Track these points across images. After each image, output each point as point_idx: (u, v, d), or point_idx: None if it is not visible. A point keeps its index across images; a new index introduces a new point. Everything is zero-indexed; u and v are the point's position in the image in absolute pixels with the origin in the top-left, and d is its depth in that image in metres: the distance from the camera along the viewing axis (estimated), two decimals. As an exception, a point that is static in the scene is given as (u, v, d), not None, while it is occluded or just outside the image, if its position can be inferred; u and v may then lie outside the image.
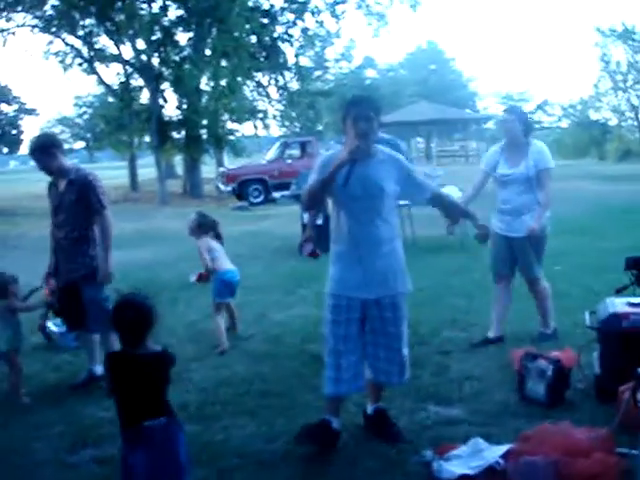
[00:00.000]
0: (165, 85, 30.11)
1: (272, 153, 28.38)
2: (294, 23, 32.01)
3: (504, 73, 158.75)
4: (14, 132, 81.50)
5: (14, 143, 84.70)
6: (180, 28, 29.81)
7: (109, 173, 39.96)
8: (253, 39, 29.96)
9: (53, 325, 7.28)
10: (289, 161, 26.84)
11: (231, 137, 31.12)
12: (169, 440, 3.48)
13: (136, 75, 30.32)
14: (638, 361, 4.25)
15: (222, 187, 27.12)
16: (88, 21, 29.53)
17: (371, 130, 4.31)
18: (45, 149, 5.75)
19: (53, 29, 29.90)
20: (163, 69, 29.73)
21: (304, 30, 32.34)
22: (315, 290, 8.16)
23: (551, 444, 3.89)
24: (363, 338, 4.50)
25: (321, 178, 4.31)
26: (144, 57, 29.06)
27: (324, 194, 4.43)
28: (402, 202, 8.90)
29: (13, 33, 29.79)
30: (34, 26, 29.83)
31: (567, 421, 4.24)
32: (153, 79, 28.96)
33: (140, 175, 38.82)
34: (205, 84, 29.52)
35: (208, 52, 28.94)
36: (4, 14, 28.28)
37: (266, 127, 37.10)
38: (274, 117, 39.04)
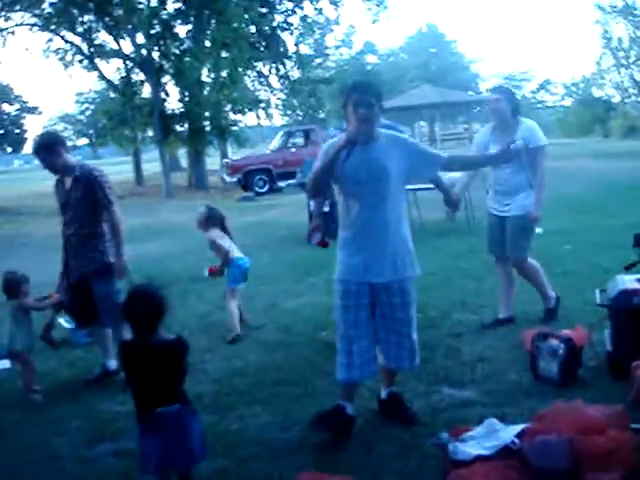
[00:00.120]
0: (166, 78, 30.14)
1: (276, 142, 28.36)
2: (293, 11, 31.98)
3: (506, 54, 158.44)
4: (17, 131, 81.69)
5: (18, 142, 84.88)
6: (179, 21, 29.77)
7: (113, 169, 40.00)
8: (252, 29, 29.94)
9: (64, 322, 7.32)
10: (293, 150, 26.83)
11: (234, 128, 31.13)
12: (182, 426, 3.55)
13: (137, 69, 30.31)
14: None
15: (227, 178, 27.12)
16: (87, 17, 29.52)
17: (372, 115, 4.31)
18: (49, 147, 5.76)
19: (52, 27, 29.87)
20: (163, 62, 29.71)
21: (303, 18, 32.30)
22: (324, 278, 8.18)
23: (565, 422, 3.90)
24: (374, 323, 4.52)
25: (324, 163, 4.33)
26: (144, 51, 29.06)
27: (329, 180, 4.42)
28: (409, 187, 8.92)
29: (12, 32, 29.80)
30: (33, 24, 29.86)
31: (580, 399, 4.24)
32: (154, 73, 28.95)
33: (144, 169, 38.85)
34: (206, 76, 29.53)
35: (208, 44, 28.87)
36: (2, 14, 28.26)
37: (269, 117, 37.13)
38: (276, 106, 39.05)
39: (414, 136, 29.15)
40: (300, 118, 48.75)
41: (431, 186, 5.34)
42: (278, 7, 31.62)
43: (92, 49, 30.57)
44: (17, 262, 9.62)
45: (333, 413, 4.53)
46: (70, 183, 5.80)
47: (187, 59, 28.18)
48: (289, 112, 49.55)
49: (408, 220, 4.64)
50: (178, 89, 29.95)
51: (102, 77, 31.93)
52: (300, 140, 28.09)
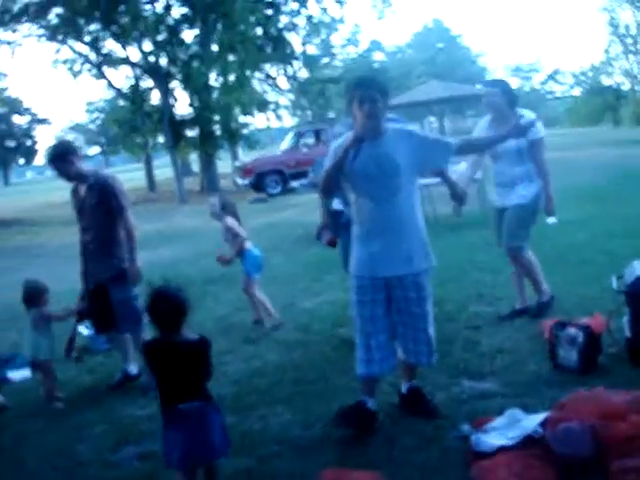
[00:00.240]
0: (175, 84, 30.17)
1: (287, 143, 28.34)
2: (298, 12, 31.91)
3: (513, 45, 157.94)
4: (29, 143, 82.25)
5: (30, 154, 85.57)
6: (185, 26, 29.80)
7: (125, 176, 40.08)
8: (259, 31, 29.90)
9: (84, 329, 7.35)
10: (304, 150, 26.80)
11: (244, 131, 31.17)
12: (204, 422, 3.63)
13: (145, 76, 30.39)
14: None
15: (239, 181, 27.13)
16: (93, 26, 29.56)
17: (378, 110, 4.31)
18: (62, 157, 5.81)
19: (59, 37, 29.91)
20: (171, 68, 29.75)
21: (309, 18, 32.25)
22: (340, 275, 8.16)
23: (587, 409, 3.90)
24: (391, 318, 4.52)
25: (333, 163, 4.33)
26: (152, 58, 29.11)
27: (339, 179, 4.41)
28: (423, 182, 8.91)
29: (20, 44, 29.97)
30: (40, 35, 29.93)
31: (601, 386, 4.25)
32: (162, 79, 29.01)
33: (156, 175, 38.99)
34: (214, 80, 29.53)
35: (215, 48, 28.88)
36: (9, 26, 28.38)
37: (278, 118, 37.13)
38: (285, 107, 39.07)
39: (424, 131, 29.04)
40: (310, 118, 48.79)
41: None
42: (283, 8, 31.58)
43: (100, 58, 30.64)
44: (32, 272, 9.68)
45: (355, 409, 4.55)
46: (85, 191, 5.84)
47: (195, 64, 28.24)
48: (298, 113, 49.64)
49: (422, 213, 4.62)
50: (187, 94, 29.99)
51: (111, 85, 32.03)
52: (311, 140, 28.07)
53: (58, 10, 28.65)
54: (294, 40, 32.67)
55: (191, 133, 30.46)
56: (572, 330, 5.09)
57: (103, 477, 4.38)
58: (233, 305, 8.27)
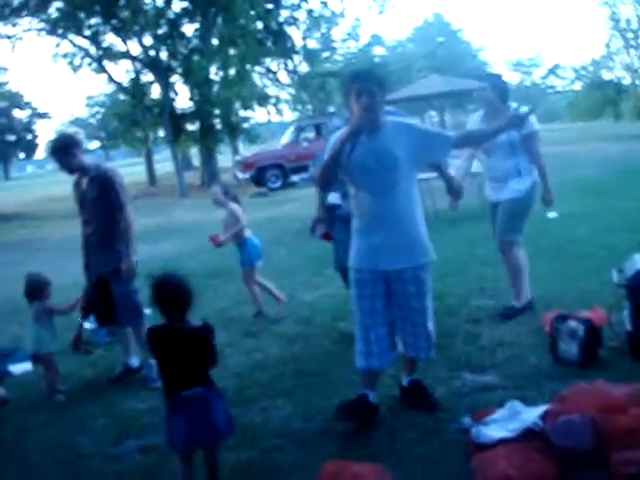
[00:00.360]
0: (175, 78, 30.17)
1: (287, 137, 28.32)
2: (299, 6, 31.86)
3: (513, 40, 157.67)
4: (29, 137, 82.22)
5: (30, 148, 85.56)
6: (186, 20, 29.77)
7: (126, 170, 39.94)
8: (259, 25, 29.86)
9: (86, 321, 7.36)
10: (305, 144, 26.76)
11: (245, 125, 31.15)
12: (207, 407, 3.66)
13: (146, 70, 30.38)
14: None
15: (240, 175, 27.13)
16: (94, 20, 29.56)
17: (375, 103, 4.29)
18: (64, 149, 5.80)
19: (60, 31, 29.91)
20: (172, 62, 29.74)
21: (309, 12, 32.20)
22: (340, 270, 8.20)
23: (587, 402, 3.91)
24: (391, 312, 4.53)
25: (330, 156, 4.32)
26: (152, 52, 29.12)
27: (336, 172, 4.39)
28: (423, 176, 8.90)
29: (20, 38, 29.93)
30: (40, 29, 29.91)
31: (601, 379, 4.25)
32: (163, 73, 29.01)
33: (157, 170, 38.99)
34: (215, 74, 29.51)
35: (215, 41, 28.87)
36: (10, 20, 28.35)
37: (279, 112, 37.17)
38: (286, 102, 39.02)
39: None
40: (310, 113, 48.76)
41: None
42: (284, 2, 31.53)
43: (100, 52, 30.63)
44: (33, 266, 9.67)
45: (356, 402, 4.56)
46: (86, 183, 5.84)
47: (195, 58, 28.22)
48: (299, 107, 49.60)
49: (422, 207, 4.62)
50: (187, 88, 29.98)
51: (111, 79, 32.04)
52: (311, 134, 28.04)
53: (58, 4, 28.67)
54: (295, 34, 32.67)
55: (192, 127, 30.46)
56: (573, 323, 5.10)
57: (105, 470, 4.38)
58: (233, 299, 8.29)
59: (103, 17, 28.81)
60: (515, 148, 6.19)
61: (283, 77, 35.70)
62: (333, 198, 6.07)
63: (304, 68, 34.30)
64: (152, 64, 29.15)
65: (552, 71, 74.53)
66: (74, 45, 31.03)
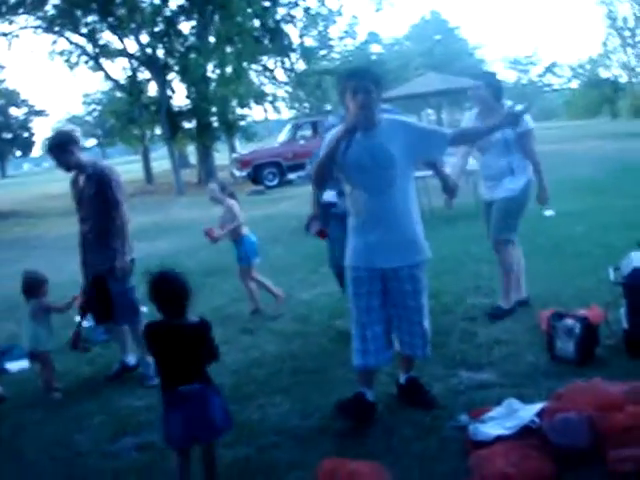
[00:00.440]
0: (172, 75, 30.17)
1: (284, 135, 28.32)
2: (296, 4, 31.86)
3: (510, 38, 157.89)
4: (26, 135, 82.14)
5: (26, 146, 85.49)
6: (182, 17, 29.77)
7: (122, 168, 39.86)
8: (256, 23, 29.83)
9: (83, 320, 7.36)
10: (302, 142, 26.76)
11: (242, 123, 31.15)
12: (204, 403, 3.67)
13: (142, 68, 30.36)
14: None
15: (237, 173, 27.12)
16: (90, 18, 29.50)
17: (371, 101, 4.27)
18: (62, 146, 5.79)
19: (56, 28, 29.85)
20: (169, 60, 29.74)
21: (306, 10, 32.19)
22: (337, 268, 8.20)
23: (584, 400, 3.92)
24: (388, 310, 4.53)
25: (325, 153, 4.31)
26: (149, 49, 29.10)
27: (332, 169, 4.36)
28: (419, 174, 8.89)
29: (17, 36, 29.83)
30: (37, 27, 29.86)
31: (598, 377, 4.26)
32: (160, 71, 29.00)
33: (154, 167, 38.96)
34: (212, 71, 29.49)
35: (212, 39, 28.88)
36: (6, 17, 28.29)
37: (276, 110, 37.09)
38: (283, 99, 38.98)
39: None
40: (307, 111, 48.72)
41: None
42: (281, 0, 31.53)
43: (97, 49, 30.58)
44: (30, 263, 9.69)
45: (354, 401, 4.56)
46: (83, 181, 5.84)
47: (192, 55, 28.18)
48: (296, 105, 49.55)
49: (418, 205, 4.61)
50: (184, 86, 29.95)
51: (108, 77, 31.99)
52: (308, 132, 28.03)
53: (55, 1, 28.62)
54: (291, 32, 32.65)
55: (188, 125, 30.47)
56: (569, 321, 5.10)
57: (102, 468, 4.38)
58: (230, 296, 8.30)
59: (100, 15, 28.76)
60: (509, 146, 6.17)
61: (280, 75, 35.71)
62: (329, 196, 6.06)
63: (301, 66, 34.29)
64: (149, 62, 29.13)
65: (549, 69, 74.54)
66: (71, 43, 30.99)
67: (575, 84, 64.54)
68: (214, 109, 29.02)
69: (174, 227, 16.69)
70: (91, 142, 69.89)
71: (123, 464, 4.39)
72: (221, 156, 36.09)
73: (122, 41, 29.98)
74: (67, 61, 31.79)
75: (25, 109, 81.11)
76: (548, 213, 10.52)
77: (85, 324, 7.08)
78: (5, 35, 29.32)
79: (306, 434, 4.48)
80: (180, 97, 30.37)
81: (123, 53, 30.28)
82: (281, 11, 31.65)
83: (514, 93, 59.01)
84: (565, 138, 30.96)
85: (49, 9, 28.93)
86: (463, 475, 3.66)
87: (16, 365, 6.59)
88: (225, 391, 5.03)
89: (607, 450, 3.56)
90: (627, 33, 52.13)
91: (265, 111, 37.83)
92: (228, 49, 28.69)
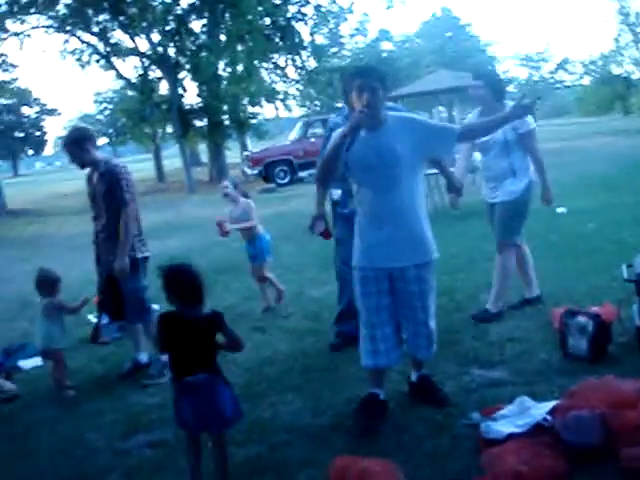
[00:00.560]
0: (183, 74, 30.24)
1: (295, 133, 28.33)
2: (306, 1, 31.81)
3: (522, 34, 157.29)
4: (38, 134, 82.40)
5: (38, 144, 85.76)
6: (193, 16, 29.82)
7: (134, 166, 39.95)
8: (267, 21, 29.88)
9: (94, 317, 7.41)
10: (313, 140, 26.74)
11: (253, 121, 31.18)
12: (212, 394, 3.72)
13: (154, 67, 30.43)
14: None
15: (248, 171, 27.16)
16: (102, 17, 29.60)
17: (377, 100, 4.25)
18: (76, 143, 5.82)
19: (68, 28, 29.95)
20: (180, 58, 29.81)
21: (317, 8, 32.16)
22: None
23: (597, 398, 3.91)
24: (396, 309, 4.52)
25: (329, 151, 4.27)
26: (160, 48, 29.17)
27: (336, 167, 4.31)
28: (430, 171, 8.89)
29: (28, 35, 29.94)
30: (49, 26, 29.96)
31: (611, 375, 4.24)
32: (171, 69, 29.06)
33: (165, 166, 39.04)
34: (223, 70, 29.55)
35: (223, 38, 28.91)
36: (18, 17, 28.39)
37: (287, 108, 37.10)
38: (294, 97, 38.99)
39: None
40: (318, 108, 48.72)
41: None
42: (291, -2, 31.54)
43: (108, 48, 30.68)
44: (42, 262, 9.68)
45: (367, 402, 4.55)
46: (96, 178, 5.86)
47: (203, 54, 28.26)
48: (307, 103, 49.53)
49: (426, 202, 4.58)
50: (195, 84, 30.03)
51: (119, 76, 32.08)
52: (319, 130, 27.97)
53: (67, 0, 28.70)
54: (302, 30, 32.60)
55: (200, 123, 30.57)
56: (582, 319, 5.08)
57: (114, 465, 4.39)
58: (242, 294, 8.31)
59: (111, 14, 28.85)
60: (510, 147, 6.09)
61: (291, 73, 35.67)
62: (335, 194, 6.06)
63: (312, 63, 34.23)
64: (160, 60, 29.19)
65: (561, 66, 74.10)
66: (82, 42, 31.10)
67: (587, 81, 64.14)
68: (225, 107, 29.09)
69: (186, 225, 16.72)
70: (103, 140, 69.88)
71: (135, 461, 4.40)
72: (232, 154, 36.12)
73: (133, 40, 30.07)
74: (79, 60, 31.92)
75: (37, 108, 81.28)
76: (560, 210, 10.49)
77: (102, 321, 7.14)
78: (17, 35, 29.44)
79: (318, 432, 4.47)
80: (191, 95, 30.47)
81: (134, 52, 30.35)
82: (292, 9, 31.63)
83: (525, 90, 58.73)
84: (577, 135, 30.85)
85: (60, 8, 29.04)
86: (475, 473, 3.66)
87: (29, 363, 6.62)
88: (237, 389, 5.03)
89: (620, 448, 3.55)
90: (639, 29, 51.84)
91: (276, 109, 37.98)
92: (239, 47, 28.72)
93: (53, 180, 56.24)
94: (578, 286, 6.78)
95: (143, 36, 29.45)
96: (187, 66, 29.60)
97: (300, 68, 34.49)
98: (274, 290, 7.75)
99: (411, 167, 4.36)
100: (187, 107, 30.39)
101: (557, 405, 4.00)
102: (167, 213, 19.48)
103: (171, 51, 29.64)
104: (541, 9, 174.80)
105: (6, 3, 27.34)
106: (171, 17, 28.80)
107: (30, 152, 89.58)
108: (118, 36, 30.66)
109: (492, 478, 3.53)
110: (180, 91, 30.11)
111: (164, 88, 30.99)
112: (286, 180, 26.05)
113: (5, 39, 29.62)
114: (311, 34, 33.26)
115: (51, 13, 29.09)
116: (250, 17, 27.36)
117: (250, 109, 30.96)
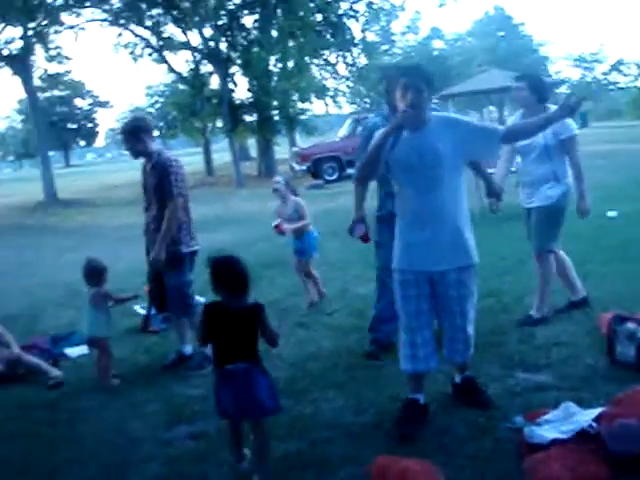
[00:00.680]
0: (234, 69, 30.41)
1: (344, 130, 28.30)
2: (359, -2, 31.81)
3: (576, 34, 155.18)
4: (90, 125, 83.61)
5: (90, 136, 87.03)
6: (246, 11, 29.99)
7: (184, 160, 40.23)
8: (319, 17, 29.91)
9: (140, 308, 7.48)
10: (361, 137, 26.67)
11: (302, 117, 31.23)
12: (250, 382, 3.80)
13: (205, 61, 30.65)
14: None
15: (296, 167, 27.21)
16: (155, 11, 29.92)
17: (421, 100, 4.19)
18: (133, 132, 5.91)
19: (121, 21, 30.32)
20: (231, 53, 29.97)
21: (369, 5, 32.11)
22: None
23: (645, 406, 3.84)
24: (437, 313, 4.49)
25: (370, 150, 4.24)
26: (212, 43, 29.34)
27: (377, 167, 4.28)
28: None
29: (83, 28, 30.40)
30: (103, 20, 30.35)
31: (660, 383, 4.17)
32: (222, 64, 29.21)
33: (214, 160, 39.29)
34: (273, 65, 29.64)
35: (275, 33, 29.00)
36: (73, 10, 28.79)
37: (337, 105, 37.09)
38: (344, 94, 38.96)
39: (484, 121, 28.78)
40: (368, 105, 48.65)
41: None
42: (344, -6, 31.50)
43: (161, 42, 31.00)
44: (91, 252, 9.80)
45: (407, 407, 4.50)
46: (149, 169, 5.92)
47: (254, 49, 28.36)
48: (357, 100, 49.47)
49: (468, 204, 4.49)
50: (246, 79, 30.17)
51: (171, 69, 32.39)
52: (369, 127, 27.91)
53: (121, -7, 29.03)
54: (354, 27, 32.60)
55: (249, 118, 30.66)
56: (631, 325, 5.00)
57: (155, 454, 4.43)
58: (287, 290, 8.32)
59: (164, 8, 29.14)
60: (550, 152, 5.96)
61: (341, 69, 35.72)
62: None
63: (363, 61, 34.23)
64: (212, 55, 29.37)
65: (615, 67, 73.08)
66: (135, 35, 31.48)
67: (642, 82, 63.23)
68: (275, 103, 29.17)
69: (234, 219, 16.81)
70: (153, 133, 70.69)
71: (177, 452, 4.43)
72: (281, 150, 36.24)
73: (185, 34, 30.33)
74: (131, 53, 32.34)
75: (90, 100, 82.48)
76: (611, 214, 10.33)
77: (144, 312, 7.22)
78: (72, 27, 29.87)
79: (359, 430, 4.46)
80: (242, 90, 30.53)
81: (186, 46, 30.61)
82: (344, 6, 31.61)
83: (578, 91, 58.00)
84: (630, 138, 30.32)
85: (115, 2, 29.40)
86: (517, 477, 3.62)
87: (76, 351, 6.71)
88: (280, 384, 5.07)
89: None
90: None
91: (326, 105, 38.04)
92: (290, 43, 28.80)
93: (104, 171, 56.96)
94: (628, 291, 6.65)
95: (195, 30, 29.66)
96: (238, 61, 29.76)
97: (351, 65, 34.50)
98: (315, 290, 7.76)
99: (453, 167, 4.30)
100: (237, 102, 30.52)
101: (603, 412, 3.92)
102: (216, 207, 19.59)
103: (223, 46, 29.81)
104: (595, 9, 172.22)
105: (62, -4, 27.74)
106: (223, 12, 29.00)
107: (82, 143, 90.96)
108: (171, 30, 31.06)
109: (535, 483, 3.49)
110: (231, 86, 30.27)
111: (215, 82, 31.25)
112: (334, 177, 26.03)
113: (60, 32, 30.09)
114: (362, 31, 33.27)
115: (105, 7, 29.46)
116: (302, 13, 27.43)
117: (300, 105, 30.97)
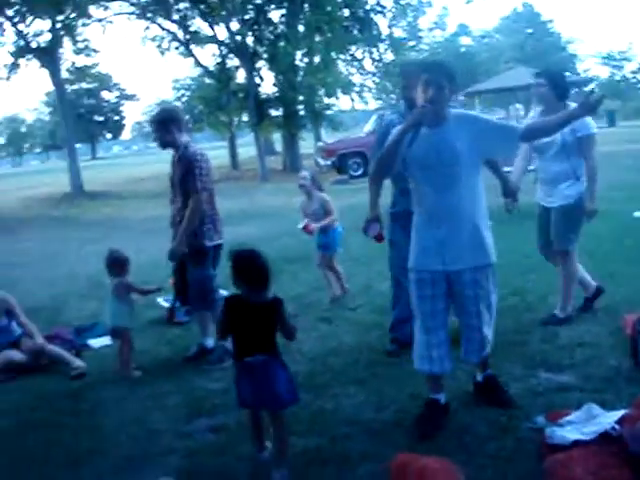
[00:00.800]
0: (260, 63, 30.43)
1: (370, 126, 28.23)
2: (386, -6, 31.74)
3: (605, 32, 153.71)
4: (116, 118, 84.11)
5: (117, 128, 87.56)
6: (273, 6, 29.99)
7: (209, 153, 40.45)
8: (346, 12, 29.88)
9: (163, 301, 7.51)
10: (387, 133, 26.61)
11: (328, 112, 31.21)
12: (268, 374, 3.85)
13: (231, 55, 30.71)
14: None
15: (321, 161, 27.20)
16: (182, 5, 30.04)
17: (442, 97, 4.15)
18: (163, 122, 5.94)
19: (149, 15, 30.47)
20: (258, 48, 30.01)
21: (396, 1, 32.03)
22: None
23: (669, 409, 3.80)
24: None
25: (387, 146, 4.20)
26: (238, 37, 29.38)
27: (393, 163, 4.23)
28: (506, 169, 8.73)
29: (110, 22, 30.59)
30: (130, 13, 30.50)
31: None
32: (248, 58, 29.26)
33: (240, 154, 39.38)
34: (300, 60, 29.64)
35: (301, 28, 28.99)
36: (101, 3, 28.94)
37: (363, 100, 37.01)
38: (370, 90, 38.89)
39: (510, 119, 28.62)
40: (394, 101, 48.51)
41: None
42: (371, -10, 31.44)
43: (188, 36, 31.08)
44: (115, 243, 9.84)
45: (428, 407, 4.48)
46: (176, 161, 5.95)
47: (281, 44, 28.37)
48: (383, 95, 49.37)
49: (486, 202, 4.42)
50: (272, 74, 30.20)
51: (198, 63, 32.48)
52: (394, 123, 27.83)
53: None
54: (381, 22, 32.51)
55: (275, 112, 30.69)
56: (656, 326, 4.94)
57: (176, 447, 4.44)
58: (310, 285, 8.31)
59: (191, 2, 29.23)
60: (568, 150, 5.86)
61: (368, 65, 35.64)
62: None
63: (389, 56, 34.16)
64: (238, 49, 29.41)
65: (644, 66, 72.37)
66: (162, 29, 31.59)
67: (672, 81, 62.57)
68: (301, 97, 29.19)
69: (258, 214, 16.83)
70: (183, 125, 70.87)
71: (197, 444, 4.44)
72: (306, 144, 36.21)
73: (212, 28, 30.41)
74: (158, 47, 32.47)
75: (117, 93, 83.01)
76: (637, 214, 10.24)
77: (167, 305, 7.25)
78: (100, 21, 30.03)
79: (379, 427, 4.45)
80: (268, 85, 30.67)
81: (213, 40, 30.68)
82: (371, 1, 31.57)
83: (607, 90, 57.49)
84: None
85: (143, -5, 29.51)
86: (538, 478, 3.59)
87: (99, 342, 6.76)
88: (300, 378, 5.07)
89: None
90: None
91: (352, 101, 37.87)
92: (317, 38, 28.77)
93: (130, 164, 57.24)
94: (653, 293, 6.59)
95: (222, 25, 29.74)
96: (265, 55, 29.80)
97: (377, 61, 34.44)
98: (339, 285, 7.76)
99: (471, 165, 4.25)
100: (263, 96, 30.56)
101: (625, 414, 3.88)
102: (240, 200, 19.62)
103: (249, 40, 29.85)
104: (625, 7, 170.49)
105: (91, -11, 27.89)
106: (250, 6, 29.04)
107: (108, 136, 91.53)
108: (197, 24, 31.14)
109: (555, 484, 3.46)
110: (257, 80, 30.31)
111: (241, 77, 31.30)
112: (359, 172, 25.94)
113: (88, 24, 30.24)
114: (389, 27, 33.24)
115: (133, 0, 29.58)
116: (329, 8, 27.38)
117: (326, 100, 30.99)
